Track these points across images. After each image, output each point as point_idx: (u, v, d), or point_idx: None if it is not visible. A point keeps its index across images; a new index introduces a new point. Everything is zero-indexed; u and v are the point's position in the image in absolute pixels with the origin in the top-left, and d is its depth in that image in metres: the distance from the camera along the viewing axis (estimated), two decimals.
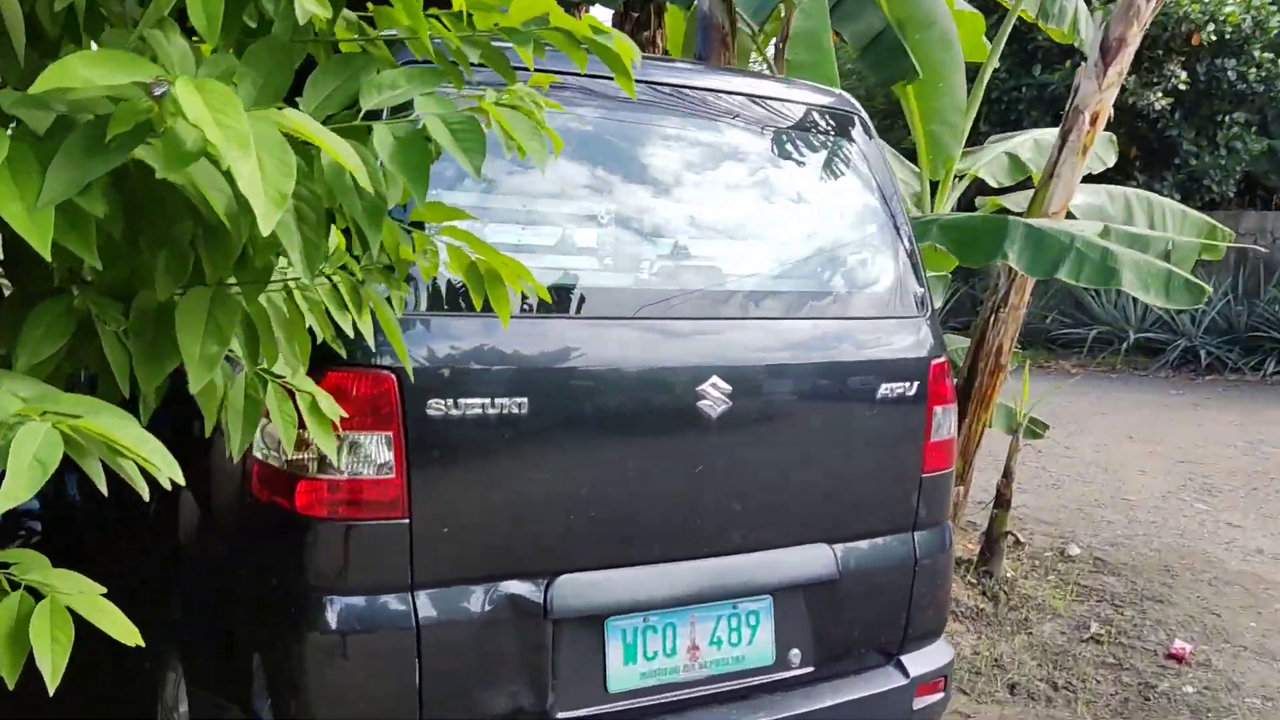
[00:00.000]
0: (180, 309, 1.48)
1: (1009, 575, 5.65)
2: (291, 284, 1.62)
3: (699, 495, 2.73)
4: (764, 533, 2.87)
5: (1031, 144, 7.05)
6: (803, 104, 3.28)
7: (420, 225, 1.84)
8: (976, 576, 5.57)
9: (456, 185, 2.53)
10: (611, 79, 1.59)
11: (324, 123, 1.43)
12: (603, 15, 8.44)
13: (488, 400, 2.42)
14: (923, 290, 3.34)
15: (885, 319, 3.21)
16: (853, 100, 3.46)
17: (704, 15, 5.26)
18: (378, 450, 2.34)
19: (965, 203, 8.55)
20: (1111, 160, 7.30)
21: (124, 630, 1.31)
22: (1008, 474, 5.60)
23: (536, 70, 1.72)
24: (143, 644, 1.28)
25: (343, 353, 1.93)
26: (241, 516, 2.50)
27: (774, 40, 6.20)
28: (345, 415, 1.92)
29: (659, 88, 2.89)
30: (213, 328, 1.50)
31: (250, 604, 2.47)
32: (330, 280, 1.67)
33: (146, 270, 1.50)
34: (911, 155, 7.06)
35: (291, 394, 1.78)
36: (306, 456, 2.34)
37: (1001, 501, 5.57)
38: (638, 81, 2.82)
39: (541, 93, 1.75)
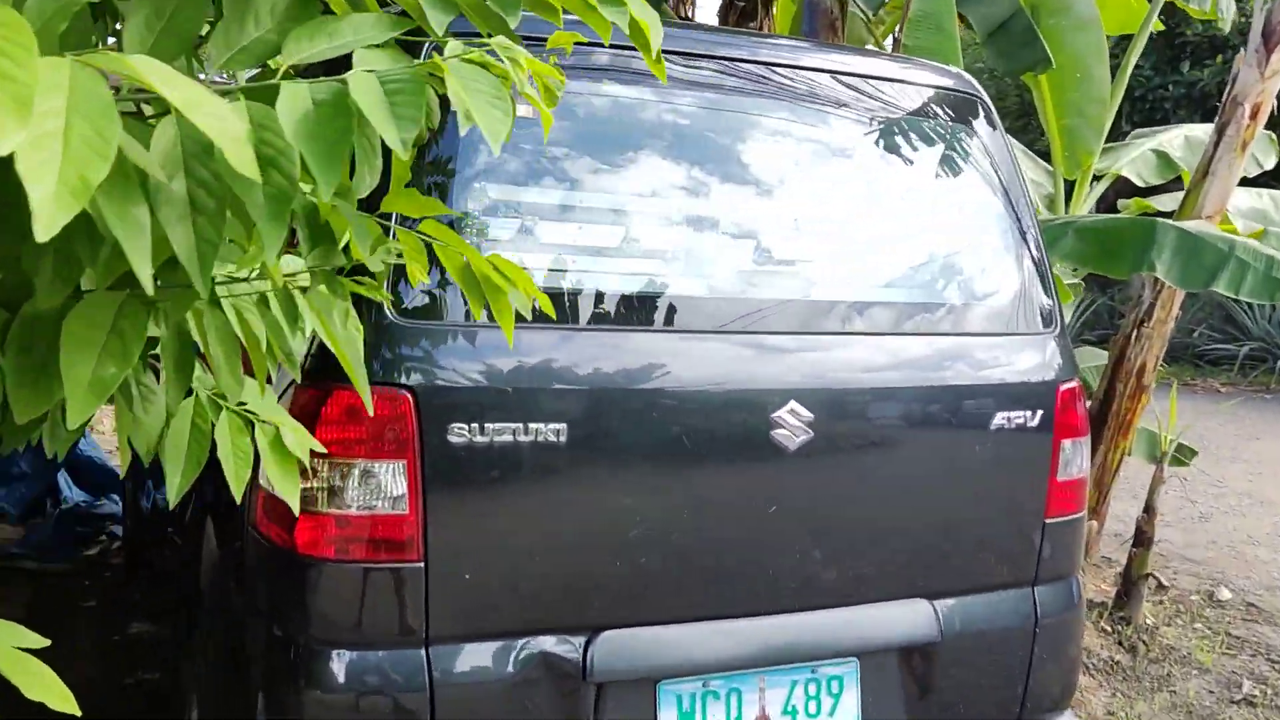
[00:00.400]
0: (70, 319, 1.17)
1: (1149, 623, 5.03)
2: (226, 292, 1.30)
3: (771, 540, 2.32)
4: (850, 585, 2.45)
5: (1182, 140, 6.36)
6: (914, 85, 2.84)
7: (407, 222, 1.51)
8: (1112, 623, 4.97)
9: (527, 179, 2.20)
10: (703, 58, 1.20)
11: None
12: (710, 6, 8.02)
13: (520, 425, 2.07)
14: (1051, 303, 2.86)
15: (1005, 335, 2.74)
16: (973, 82, 3.00)
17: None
18: (391, 482, 2.02)
19: (1106, 205, 7.84)
20: (1271, 162, 6.54)
21: (56, 696, 1.05)
22: (1149, 509, 4.98)
23: (562, 32, 1.37)
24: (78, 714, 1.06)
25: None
26: (246, 552, 2.21)
27: (894, 33, 5.72)
28: (320, 448, 1.59)
29: (731, 64, 2.50)
30: (114, 344, 1.18)
31: (252, 649, 2.18)
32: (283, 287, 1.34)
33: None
34: (1046, 157, 6.46)
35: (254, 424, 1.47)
36: (314, 487, 2.04)
37: (1142, 540, 4.96)
38: (708, 58, 2.46)
39: (560, 60, 1.39)
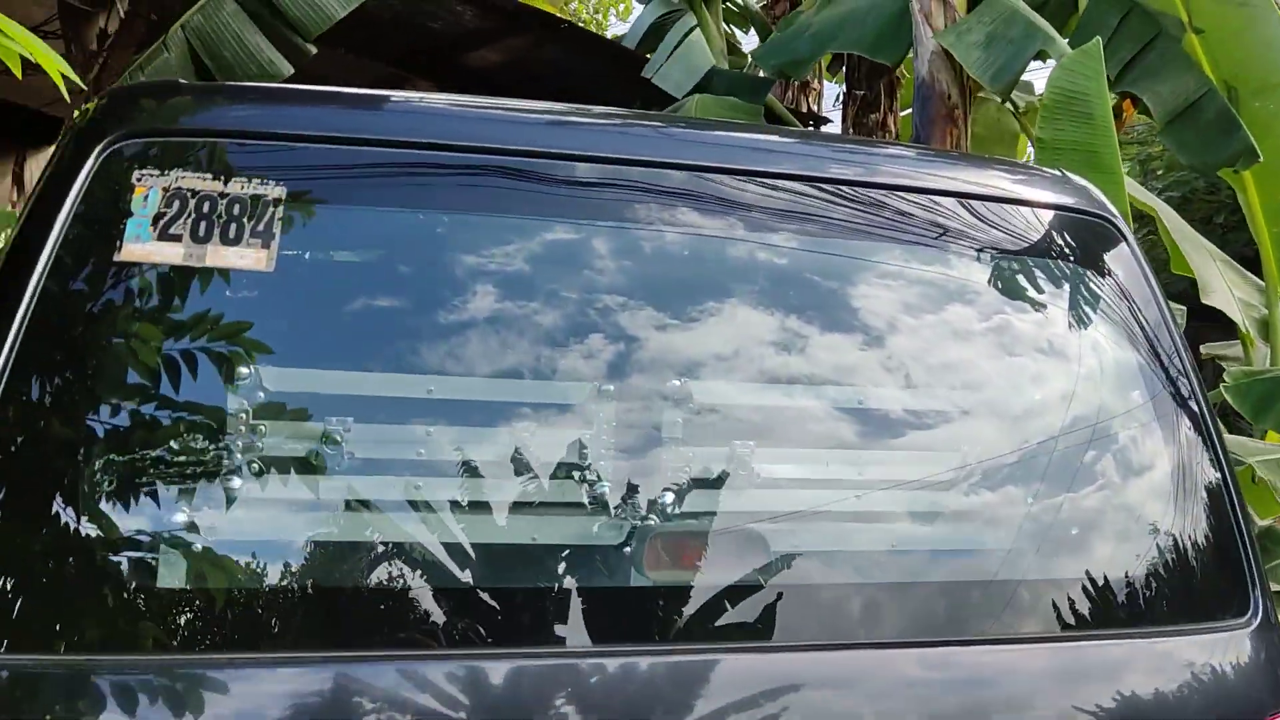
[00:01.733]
0: None
1: None
2: None
3: None
4: None
5: None
6: (1011, 204, 1.81)
7: None
8: None
9: None
10: None
11: None
12: (830, 95, 7.05)
13: None
14: (1245, 564, 1.70)
15: (1144, 633, 1.61)
16: (1104, 201, 1.91)
17: (921, 83, 3.77)
18: None
19: None
20: None
21: None
22: None
23: None
24: None
25: None
26: None
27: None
28: None
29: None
30: None
31: None
32: None
33: None
34: (1250, 264, 5.08)
35: None
36: None
37: None
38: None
39: None
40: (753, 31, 6.31)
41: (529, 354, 1.48)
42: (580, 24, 10.65)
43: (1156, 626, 1.62)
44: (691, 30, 4.93)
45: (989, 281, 1.73)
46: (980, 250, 1.74)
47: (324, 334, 1.38)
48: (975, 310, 1.71)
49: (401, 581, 1.32)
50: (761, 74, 5.10)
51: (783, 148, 1.76)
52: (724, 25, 5.68)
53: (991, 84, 3.64)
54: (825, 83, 6.32)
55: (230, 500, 1.28)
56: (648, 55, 5.31)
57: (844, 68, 5.31)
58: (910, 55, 4.32)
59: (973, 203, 1.76)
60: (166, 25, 4.00)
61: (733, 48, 5.91)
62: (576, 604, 1.38)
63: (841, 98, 5.39)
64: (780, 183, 1.66)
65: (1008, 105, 4.83)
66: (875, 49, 4.25)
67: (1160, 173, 10.67)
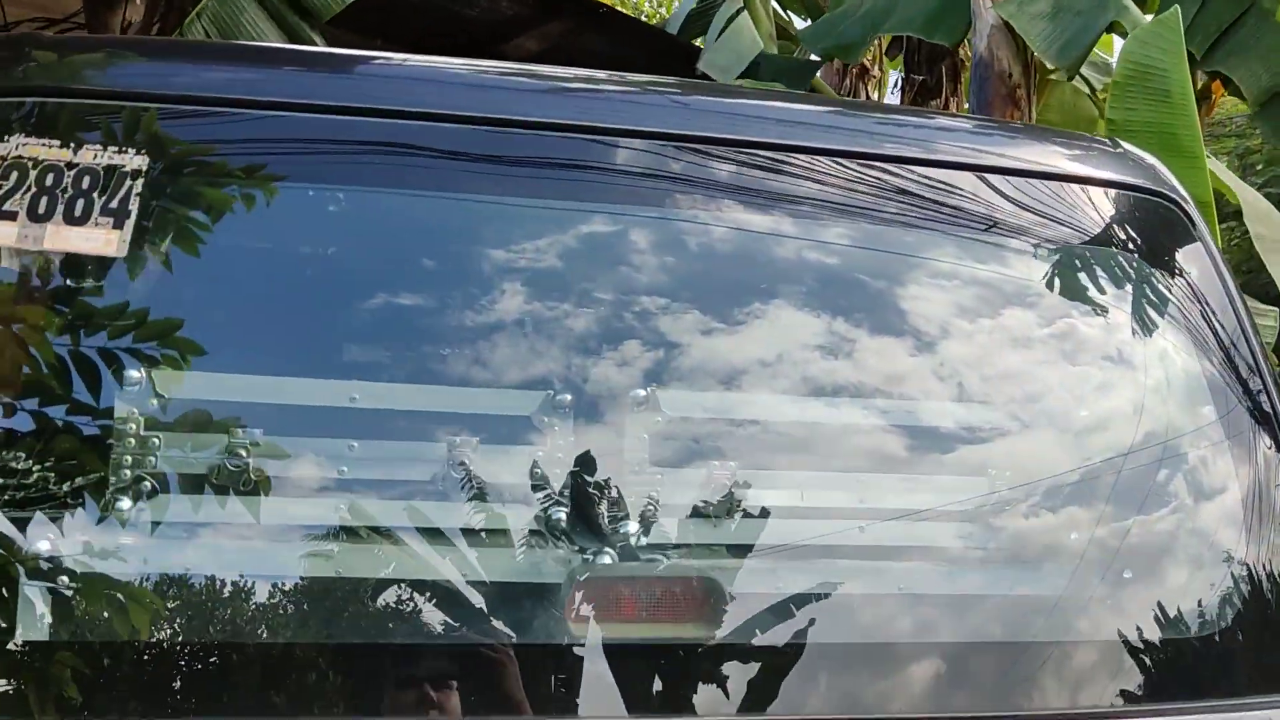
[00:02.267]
0: None
1: None
2: None
3: None
4: None
5: None
6: (1060, 180, 1.53)
7: None
8: None
9: None
10: None
11: None
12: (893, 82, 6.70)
13: None
14: None
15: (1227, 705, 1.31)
16: (1170, 179, 1.60)
17: (979, 61, 3.44)
18: None
19: None
20: None
21: None
22: None
23: None
24: None
25: None
26: None
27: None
28: None
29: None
30: None
31: None
32: None
33: None
34: None
35: None
36: None
37: None
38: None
39: None
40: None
41: (460, 353, 1.25)
42: (642, 16, 10.43)
43: (1237, 698, 1.32)
44: (738, 13, 4.66)
45: (1023, 270, 1.45)
46: (1015, 235, 1.46)
47: (197, 331, 1.16)
48: (1003, 306, 1.43)
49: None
50: (812, 58, 4.82)
51: (771, 114, 1.49)
52: (773, 6, 5.39)
53: (1057, 60, 3.28)
54: (887, 69, 5.99)
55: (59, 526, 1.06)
56: (693, 41, 5.06)
57: (903, 51, 4.99)
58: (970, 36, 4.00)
59: (1008, 178, 1.47)
60: (187, 14, 3.91)
61: (783, 31, 5.62)
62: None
63: (900, 84, 5.06)
64: (769, 155, 1.40)
65: (1083, 88, 4.47)
66: (930, 29, 3.91)
67: (1260, 168, 9.97)
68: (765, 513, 1.27)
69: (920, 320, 1.39)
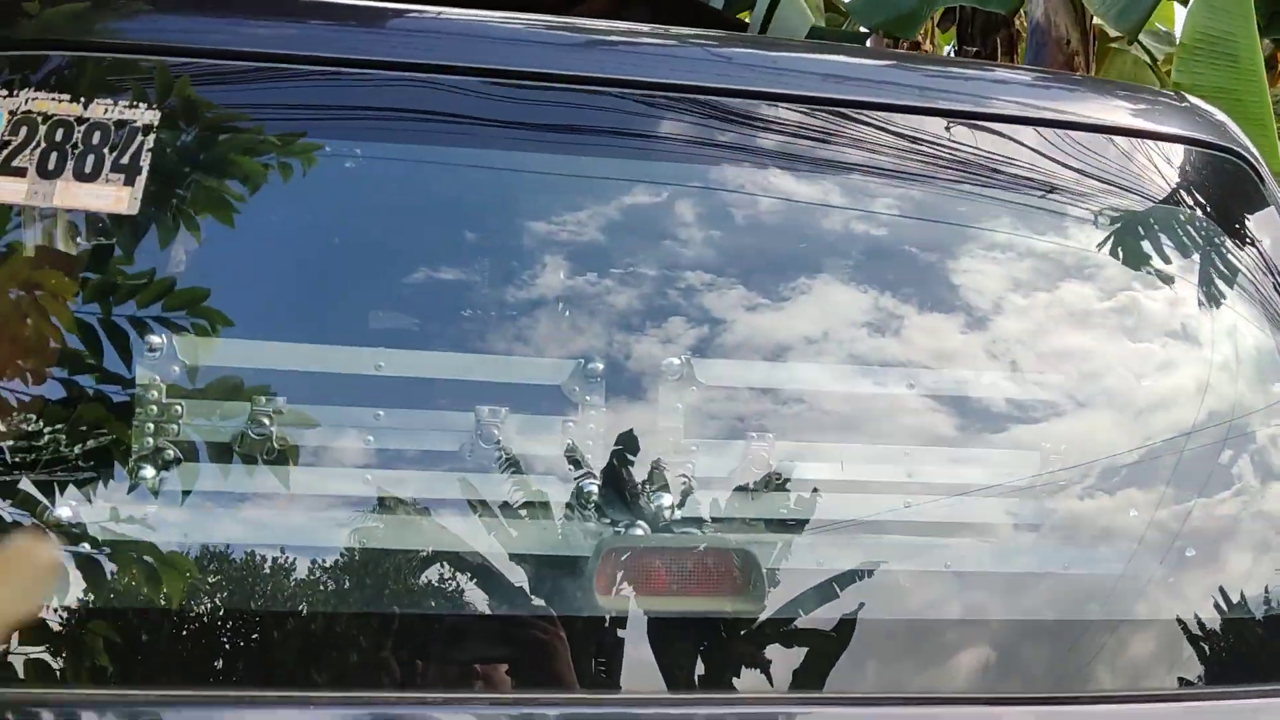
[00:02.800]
0: None
1: None
2: None
3: None
4: None
5: None
6: (1115, 133, 1.44)
7: None
8: None
9: None
10: None
11: None
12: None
13: None
14: None
15: None
16: (1238, 135, 1.52)
17: (1035, 27, 3.32)
18: None
19: None
20: None
21: None
22: None
23: None
24: None
25: None
26: None
27: None
28: None
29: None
30: None
31: None
32: None
33: None
34: None
35: None
36: None
37: None
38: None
39: None
40: None
41: (498, 322, 1.20)
42: None
43: None
44: None
45: (1086, 230, 1.37)
46: (1077, 192, 1.38)
47: (219, 296, 1.12)
48: (1064, 268, 1.35)
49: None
50: (863, 30, 4.71)
51: (817, 67, 1.42)
52: None
53: (1117, 23, 3.14)
54: (940, 42, 5.84)
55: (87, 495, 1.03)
56: (739, 15, 4.96)
57: (955, 23, 4.85)
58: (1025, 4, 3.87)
59: (1069, 133, 1.39)
60: None
61: (831, 4, 5.50)
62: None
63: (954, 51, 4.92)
64: (815, 110, 1.33)
65: (1144, 57, 4.31)
66: None
67: None
68: (812, 488, 1.22)
69: (978, 285, 1.32)
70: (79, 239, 1.06)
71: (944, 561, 1.23)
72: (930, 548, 1.23)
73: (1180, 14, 4.30)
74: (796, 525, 1.22)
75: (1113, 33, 4.05)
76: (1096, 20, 3.43)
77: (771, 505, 1.21)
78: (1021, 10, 4.02)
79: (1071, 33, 3.32)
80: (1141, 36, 4.02)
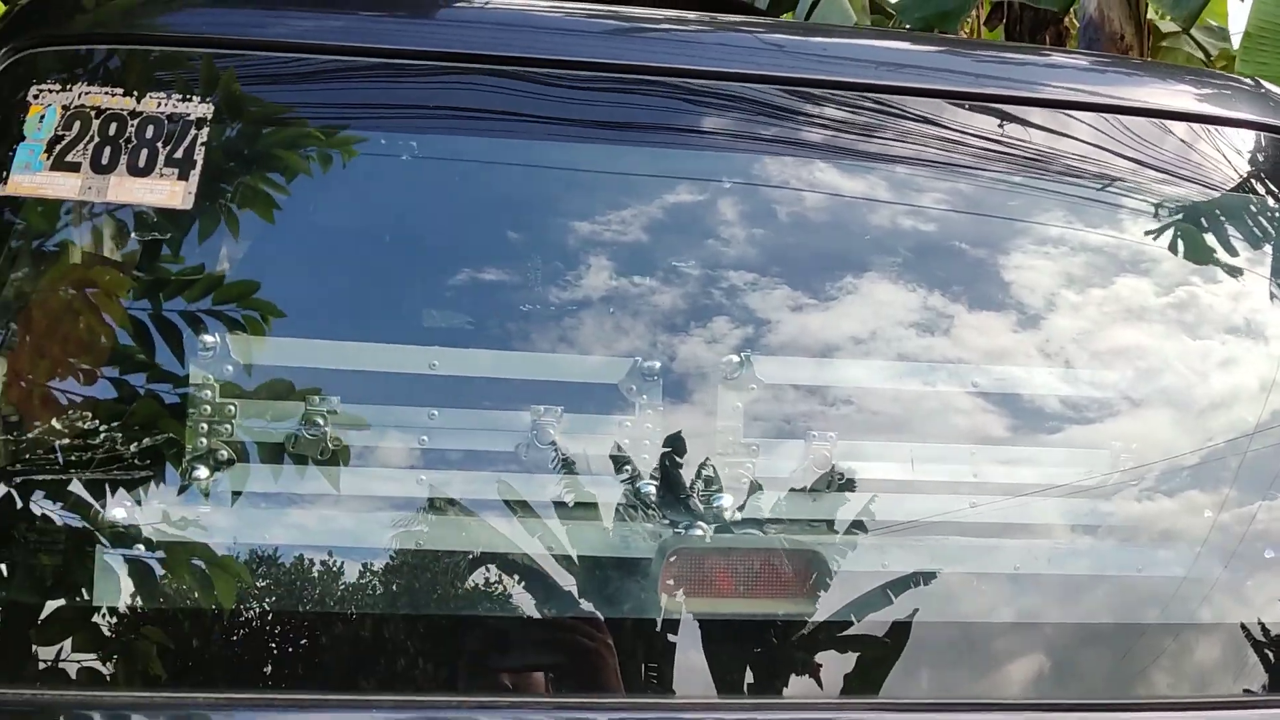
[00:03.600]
0: None
1: None
2: None
3: None
4: None
5: None
6: (1168, 117, 1.39)
7: None
8: None
9: None
10: None
11: None
12: None
13: None
14: None
15: None
16: None
17: (1089, 22, 3.25)
18: None
19: None
20: None
21: None
22: None
23: None
24: None
25: None
26: None
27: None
28: None
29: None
30: None
31: None
32: None
33: None
34: None
35: None
36: None
37: None
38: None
39: None
40: None
41: (553, 320, 1.17)
42: None
43: None
44: None
45: (1153, 218, 1.32)
46: (1145, 180, 1.33)
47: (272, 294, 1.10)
48: (1129, 259, 1.30)
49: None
50: (908, 29, 4.64)
51: (869, 54, 1.38)
52: None
53: (1172, 10, 3.06)
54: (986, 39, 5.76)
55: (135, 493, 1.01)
56: (783, 15, 4.92)
57: (1004, 20, 4.78)
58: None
59: (1135, 119, 1.34)
60: None
61: (876, 5, 5.44)
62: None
63: None
64: (867, 97, 1.29)
65: (1198, 53, 4.22)
66: None
67: None
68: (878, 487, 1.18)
69: (1046, 280, 1.27)
70: (133, 234, 1.05)
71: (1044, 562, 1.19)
72: (1026, 549, 1.19)
73: (1234, 9, 4.22)
74: (859, 526, 1.19)
75: (1165, 28, 3.97)
76: (1150, 15, 3.35)
77: (833, 505, 1.18)
78: (1072, 8, 3.95)
79: (1125, 27, 3.24)
80: (1194, 31, 3.94)
